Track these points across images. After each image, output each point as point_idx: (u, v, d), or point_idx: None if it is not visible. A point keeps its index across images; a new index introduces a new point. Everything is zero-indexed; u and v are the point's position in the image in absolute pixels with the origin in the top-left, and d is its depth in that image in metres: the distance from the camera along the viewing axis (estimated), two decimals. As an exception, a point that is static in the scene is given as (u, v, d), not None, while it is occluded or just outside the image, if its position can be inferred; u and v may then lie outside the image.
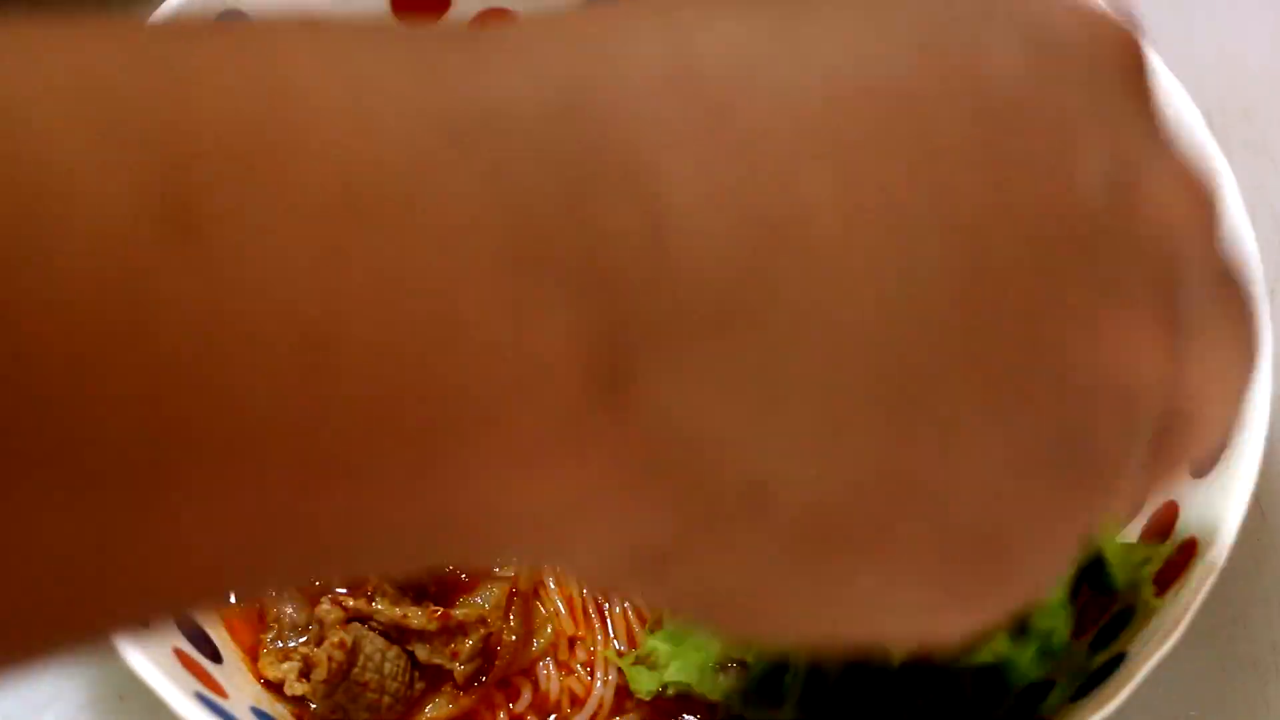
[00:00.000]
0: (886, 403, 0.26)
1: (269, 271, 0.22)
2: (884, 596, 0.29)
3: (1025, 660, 0.68)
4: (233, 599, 0.29)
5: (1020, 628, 0.69)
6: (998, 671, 0.69)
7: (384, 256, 0.23)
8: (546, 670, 0.81)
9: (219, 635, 0.80)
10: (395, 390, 0.23)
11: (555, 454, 0.25)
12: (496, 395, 0.24)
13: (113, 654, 0.68)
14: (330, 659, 0.75)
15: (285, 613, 0.81)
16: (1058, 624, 0.70)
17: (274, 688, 0.79)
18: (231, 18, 0.87)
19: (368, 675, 0.76)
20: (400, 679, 0.77)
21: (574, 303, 0.24)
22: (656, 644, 0.75)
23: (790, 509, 0.26)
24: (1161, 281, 0.28)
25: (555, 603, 0.82)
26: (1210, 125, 0.79)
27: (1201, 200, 0.30)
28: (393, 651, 0.77)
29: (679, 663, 0.74)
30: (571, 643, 0.81)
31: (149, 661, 0.67)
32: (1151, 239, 0.28)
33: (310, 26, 0.26)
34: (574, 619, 0.82)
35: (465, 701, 0.79)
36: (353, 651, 0.76)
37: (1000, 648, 0.67)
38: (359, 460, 0.23)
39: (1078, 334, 0.27)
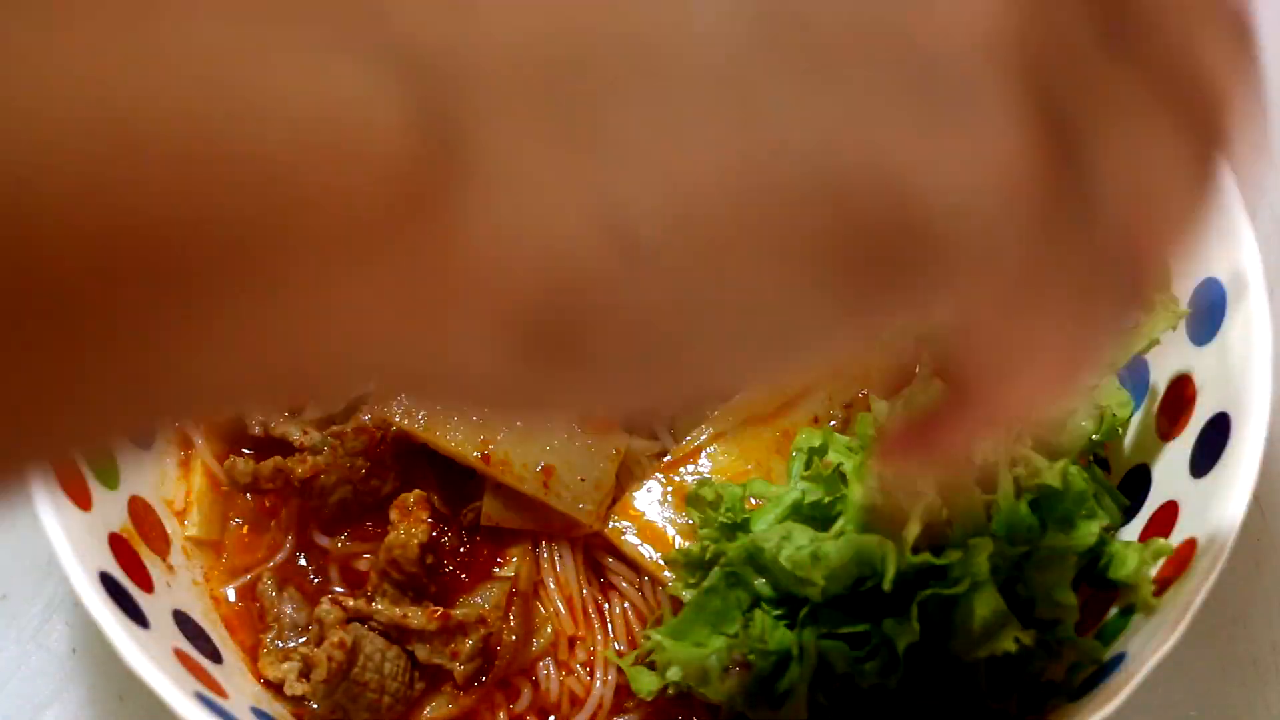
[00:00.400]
0: (726, 87, 0.25)
1: (43, 58, 0.21)
2: (797, 295, 0.26)
3: (1031, 649, 0.68)
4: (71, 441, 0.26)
5: (1027, 620, 0.69)
6: (1007, 664, 0.69)
7: (160, 34, 0.22)
8: (546, 670, 0.81)
9: (219, 635, 0.80)
10: (206, 160, 0.22)
11: (394, 229, 0.24)
12: (320, 163, 0.23)
13: (113, 654, 0.68)
14: (330, 659, 0.75)
15: (285, 613, 0.81)
16: (1064, 614, 0.70)
17: (274, 688, 0.79)
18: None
19: (368, 675, 0.76)
20: (400, 679, 0.77)
21: (388, 69, 0.23)
22: (657, 641, 0.75)
23: (660, 216, 0.25)
24: None
25: (555, 603, 0.82)
26: (1210, 125, 0.79)
27: None
28: (393, 651, 0.77)
29: (679, 663, 0.74)
30: (571, 643, 0.81)
31: (149, 661, 0.67)
32: None
33: None
34: (574, 619, 0.82)
35: (465, 701, 0.79)
36: (352, 651, 0.76)
37: (1008, 641, 0.67)
38: (184, 243, 0.22)
39: None
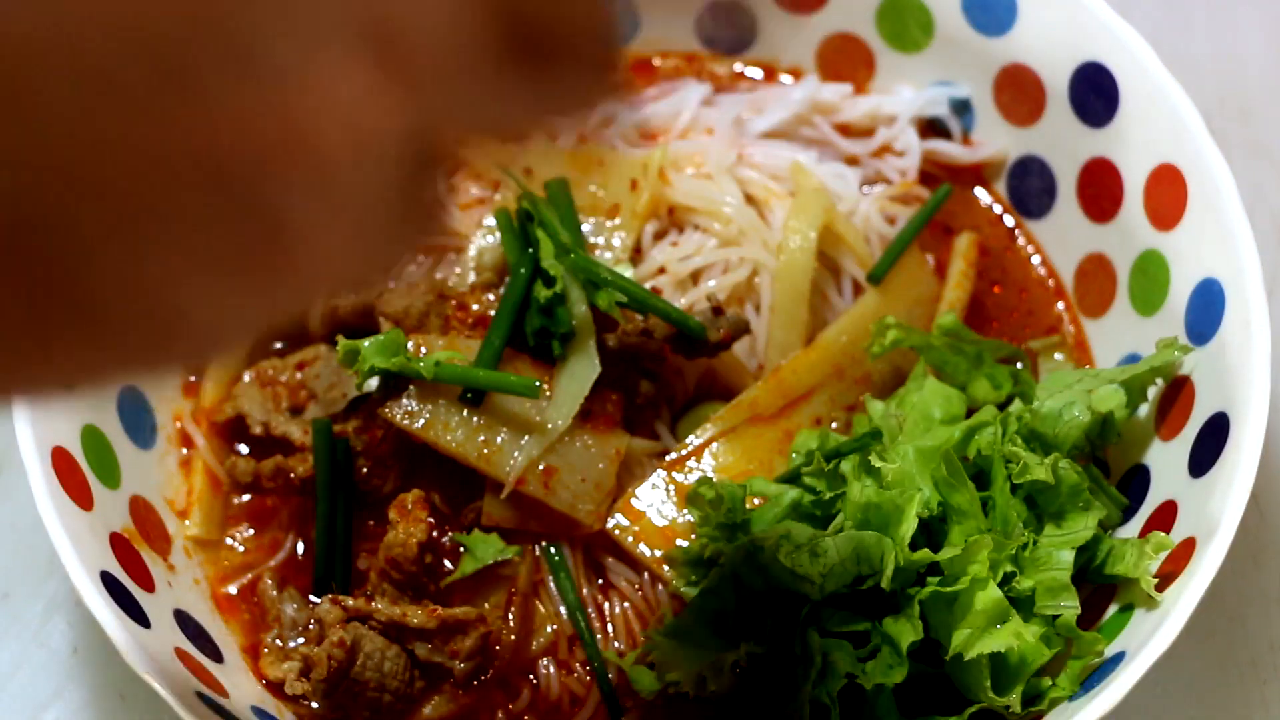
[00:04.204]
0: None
1: None
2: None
3: (1032, 644, 0.68)
4: None
5: (1027, 616, 0.69)
6: (1008, 661, 0.69)
7: None
8: (546, 670, 0.81)
9: (220, 635, 0.80)
10: None
11: None
12: None
13: (114, 653, 0.68)
14: (330, 658, 0.75)
15: (285, 612, 0.81)
16: (1064, 608, 0.70)
17: (274, 687, 0.79)
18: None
19: (368, 674, 0.76)
20: (400, 678, 0.77)
21: None
22: (658, 642, 0.75)
23: None
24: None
25: (555, 603, 0.82)
26: (1210, 125, 0.79)
27: None
28: (392, 650, 0.77)
29: (680, 663, 0.74)
30: (571, 643, 0.81)
31: (150, 661, 0.68)
32: None
33: None
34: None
35: (465, 700, 0.79)
36: (352, 651, 0.76)
37: (1009, 636, 0.67)
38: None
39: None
